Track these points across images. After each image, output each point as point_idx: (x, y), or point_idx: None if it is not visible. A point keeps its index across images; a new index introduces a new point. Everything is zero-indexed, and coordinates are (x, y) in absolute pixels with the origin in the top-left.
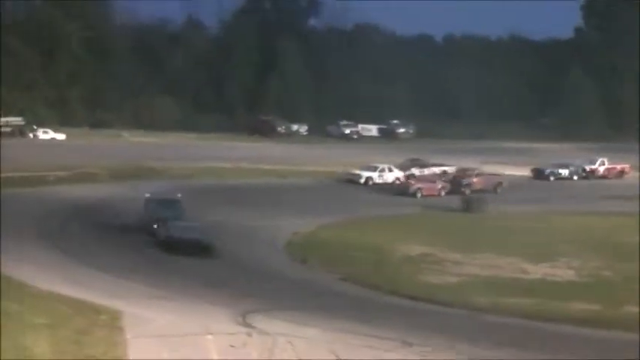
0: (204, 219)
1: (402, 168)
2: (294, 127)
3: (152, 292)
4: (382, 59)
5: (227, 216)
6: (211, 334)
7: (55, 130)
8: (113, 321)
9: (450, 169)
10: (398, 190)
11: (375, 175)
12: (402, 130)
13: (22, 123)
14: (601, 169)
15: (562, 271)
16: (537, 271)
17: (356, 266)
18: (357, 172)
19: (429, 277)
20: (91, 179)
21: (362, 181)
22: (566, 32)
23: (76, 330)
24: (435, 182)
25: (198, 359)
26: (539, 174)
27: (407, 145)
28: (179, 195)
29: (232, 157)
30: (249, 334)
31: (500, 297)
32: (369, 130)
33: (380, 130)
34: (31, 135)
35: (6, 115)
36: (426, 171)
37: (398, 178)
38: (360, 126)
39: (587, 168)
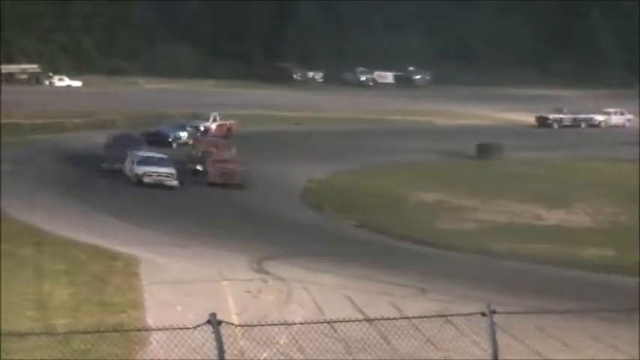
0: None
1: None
2: (310, 74)
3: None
4: (398, 5)
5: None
6: (227, 280)
7: (71, 78)
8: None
9: None
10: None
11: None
12: (418, 77)
13: (38, 70)
14: (213, 127)
15: (577, 217)
16: (552, 217)
17: (372, 213)
18: (142, 168)
19: (446, 223)
20: (109, 126)
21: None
22: None
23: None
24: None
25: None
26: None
27: (422, 92)
28: None
29: (247, 104)
30: (264, 281)
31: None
32: (385, 77)
33: (396, 77)
34: (47, 82)
35: (21, 62)
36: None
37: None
38: (375, 73)
39: (201, 127)
